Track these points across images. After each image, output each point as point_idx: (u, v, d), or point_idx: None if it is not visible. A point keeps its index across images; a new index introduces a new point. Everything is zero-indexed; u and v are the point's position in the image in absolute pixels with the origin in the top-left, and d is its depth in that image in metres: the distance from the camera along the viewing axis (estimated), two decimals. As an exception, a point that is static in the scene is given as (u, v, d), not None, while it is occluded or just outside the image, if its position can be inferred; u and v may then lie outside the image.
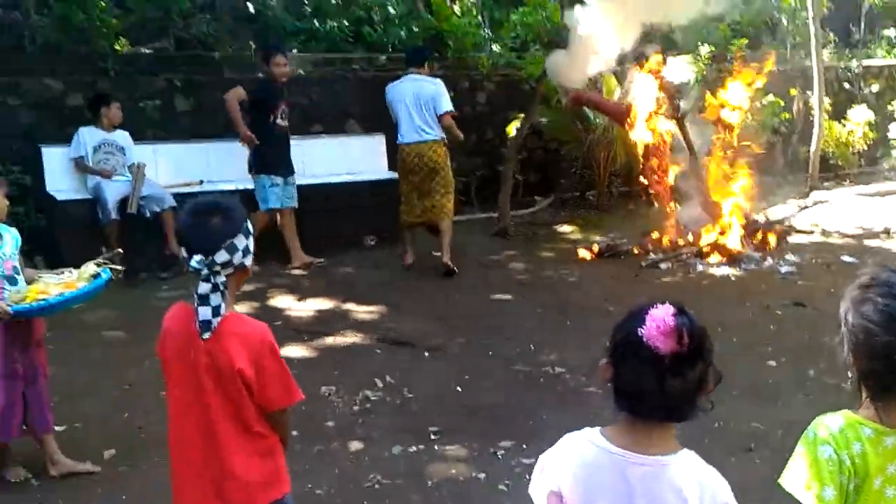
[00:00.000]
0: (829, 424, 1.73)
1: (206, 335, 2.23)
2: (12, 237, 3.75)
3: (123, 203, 7.11)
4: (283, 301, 6.50)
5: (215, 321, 2.22)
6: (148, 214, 7.19)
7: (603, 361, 1.71)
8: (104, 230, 6.91)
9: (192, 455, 2.34)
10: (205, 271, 2.21)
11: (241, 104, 7.13)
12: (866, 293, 1.72)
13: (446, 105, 7.26)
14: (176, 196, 7.26)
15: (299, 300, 6.50)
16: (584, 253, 7.86)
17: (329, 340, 5.66)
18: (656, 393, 1.61)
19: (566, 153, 10.28)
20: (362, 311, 6.33)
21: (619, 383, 1.68)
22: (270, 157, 7.20)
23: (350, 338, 5.75)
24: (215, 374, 2.25)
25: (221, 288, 2.23)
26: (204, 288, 2.22)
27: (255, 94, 7.23)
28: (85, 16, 8.78)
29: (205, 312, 2.22)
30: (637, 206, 9.85)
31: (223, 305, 2.23)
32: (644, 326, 1.60)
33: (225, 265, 2.22)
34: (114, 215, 7.01)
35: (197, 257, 2.22)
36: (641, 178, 9.06)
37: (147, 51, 9.80)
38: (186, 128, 8.45)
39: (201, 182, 7.82)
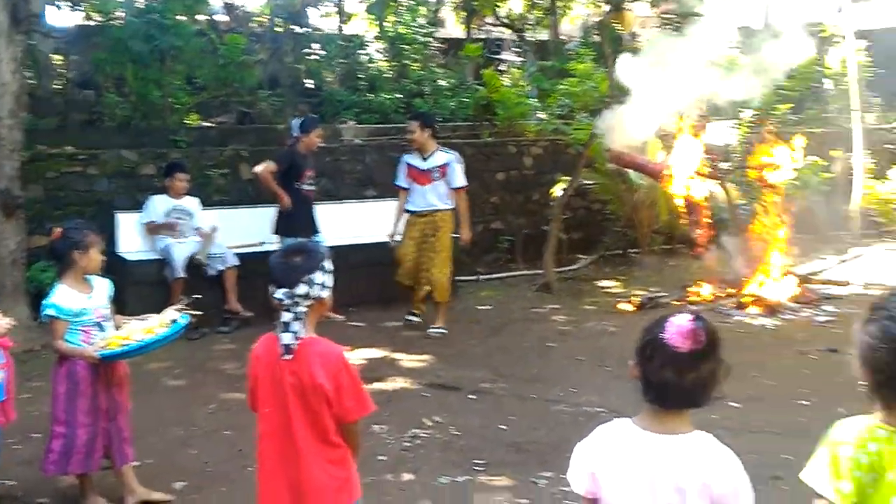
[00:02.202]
0: (848, 427, 1.99)
1: (288, 357, 2.61)
2: (104, 287, 4.21)
3: (189, 263, 7.65)
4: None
5: (295, 344, 2.61)
6: (213, 272, 7.71)
7: (632, 362, 2.05)
8: (171, 287, 7.43)
9: (274, 462, 2.70)
10: (287, 302, 2.60)
11: (272, 174, 7.65)
12: (873, 315, 1.99)
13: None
14: (238, 255, 7.82)
15: (349, 350, 6.84)
16: (624, 306, 8.15)
17: (379, 385, 5.98)
18: (676, 385, 1.95)
19: (610, 212, 10.66)
20: (409, 360, 6.68)
21: (646, 378, 2.01)
22: (294, 221, 7.65)
23: (399, 383, 6.09)
24: (299, 390, 2.62)
25: (301, 317, 2.61)
26: (286, 317, 2.61)
27: (283, 163, 7.71)
28: (160, 93, 9.56)
29: (286, 337, 2.61)
30: (679, 263, 10.09)
31: (302, 331, 2.62)
32: (666, 331, 1.96)
33: (304, 297, 2.61)
34: (180, 273, 7.54)
35: (281, 290, 2.60)
36: (683, 236, 9.33)
37: (213, 124, 10.53)
38: (250, 194, 9.04)
39: (261, 243, 8.30)
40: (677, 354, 1.92)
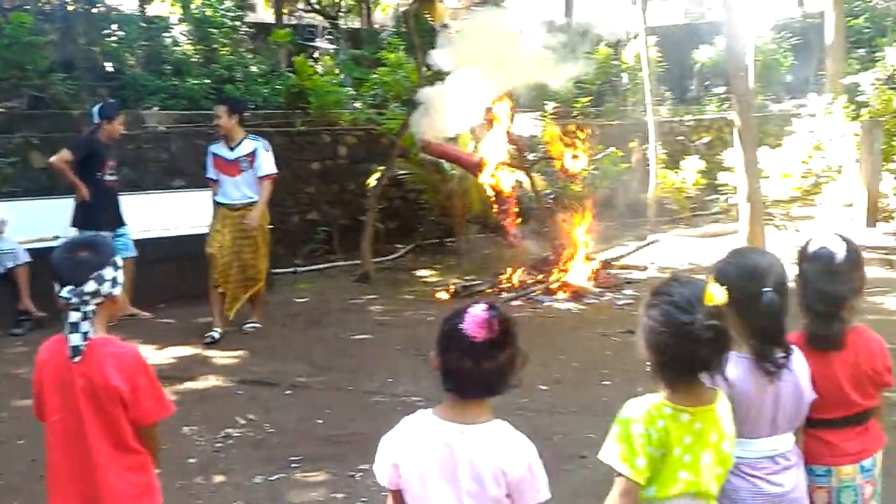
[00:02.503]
0: (637, 405, 2.12)
1: (77, 359, 2.41)
2: None
3: (-25, 260, 7.04)
4: (142, 350, 6.54)
5: (84, 346, 2.41)
6: (2, 270, 7.13)
7: (433, 353, 2.06)
8: (-45, 287, 6.82)
9: (66, 473, 2.50)
10: (74, 300, 2.40)
11: (68, 164, 7.15)
12: (654, 300, 2.14)
13: None
14: (31, 251, 7.26)
15: (158, 349, 6.57)
16: (441, 294, 8.29)
17: (190, 385, 5.77)
18: (475, 374, 1.99)
19: (425, 202, 10.81)
20: (222, 357, 6.48)
21: (445, 368, 2.03)
22: (96, 213, 7.18)
23: (211, 381, 5.89)
24: (91, 395, 2.43)
25: (90, 316, 2.43)
26: (74, 317, 2.41)
27: (81, 151, 7.24)
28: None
29: (75, 339, 2.41)
30: (492, 251, 10.39)
31: (92, 331, 2.43)
32: (464, 321, 1.98)
33: (94, 295, 2.42)
34: (-36, 272, 6.92)
35: (67, 288, 2.40)
36: (495, 224, 9.61)
37: (1, 109, 9.71)
38: (44, 184, 8.41)
39: (56, 237, 7.73)
40: (474, 344, 1.96)
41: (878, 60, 14.79)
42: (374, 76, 12.09)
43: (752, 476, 2.31)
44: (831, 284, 2.42)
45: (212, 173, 7.14)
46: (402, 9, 14.76)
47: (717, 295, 2.04)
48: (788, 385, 2.33)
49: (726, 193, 12.60)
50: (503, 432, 2.05)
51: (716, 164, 13.35)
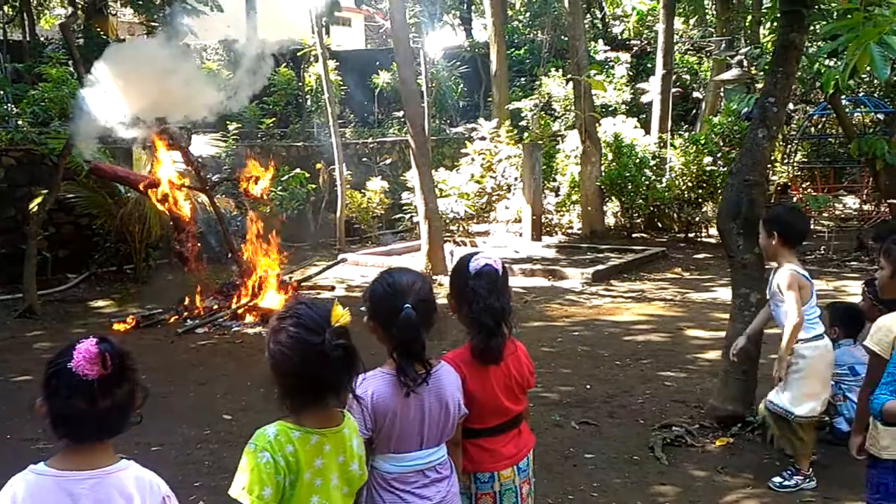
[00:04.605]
0: (266, 433, 2.03)
1: None
2: None
3: None
4: None
5: None
6: None
7: (39, 399, 1.86)
8: None
9: None
10: None
11: None
12: (281, 324, 2.07)
13: None
14: None
15: None
16: (119, 326, 7.75)
17: None
18: (90, 415, 1.83)
19: (99, 228, 10.06)
20: None
21: (55, 413, 1.85)
22: None
23: None
24: None
25: None
26: None
27: None
28: None
29: None
30: (175, 276, 9.94)
31: None
32: (72, 359, 1.82)
33: None
34: None
35: None
36: (176, 248, 9.19)
37: None
38: None
39: None
40: (86, 382, 1.82)
41: (537, 89, 16.39)
42: (35, 92, 11.07)
43: (402, 490, 2.35)
44: (497, 300, 2.55)
45: None
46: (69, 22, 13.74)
47: (342, 315, 2.06)
48: (432, 399, 2.38)
49: (410, 212, 13.18)
50: (131, 472, 1.93)
51: (399, 184, 13.94)
